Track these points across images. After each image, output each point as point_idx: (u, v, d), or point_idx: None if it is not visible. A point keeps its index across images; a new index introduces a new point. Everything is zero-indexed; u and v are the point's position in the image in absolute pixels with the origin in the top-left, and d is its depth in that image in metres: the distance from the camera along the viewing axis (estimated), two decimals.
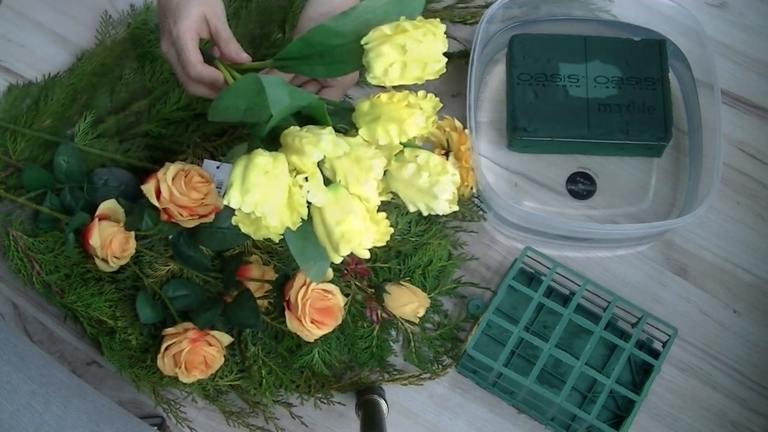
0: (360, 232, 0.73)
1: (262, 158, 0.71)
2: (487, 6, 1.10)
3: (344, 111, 0.80)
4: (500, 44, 1.11)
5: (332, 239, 0.73)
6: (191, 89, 0.88)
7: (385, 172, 0.76)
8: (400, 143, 0.76)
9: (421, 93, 0.77)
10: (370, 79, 0.77)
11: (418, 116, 0.74)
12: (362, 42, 0.76)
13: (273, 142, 0.77)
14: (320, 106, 0.76)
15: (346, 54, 0.80)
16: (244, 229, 0.75)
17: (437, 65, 0.76)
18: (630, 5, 1.10)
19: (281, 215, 0.72)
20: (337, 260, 0.74)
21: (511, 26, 1.12)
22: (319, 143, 0.70)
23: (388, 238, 0.76)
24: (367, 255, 0.74)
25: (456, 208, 0.76)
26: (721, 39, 1.14)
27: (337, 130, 0.77)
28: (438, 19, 0.76)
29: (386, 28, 0.75)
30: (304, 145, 0.71)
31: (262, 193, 0.70)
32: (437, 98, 0.77)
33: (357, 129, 0.77)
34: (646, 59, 1.07)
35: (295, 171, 0.73)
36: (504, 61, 1.11)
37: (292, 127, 0.75)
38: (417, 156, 0.76)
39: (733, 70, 1.13)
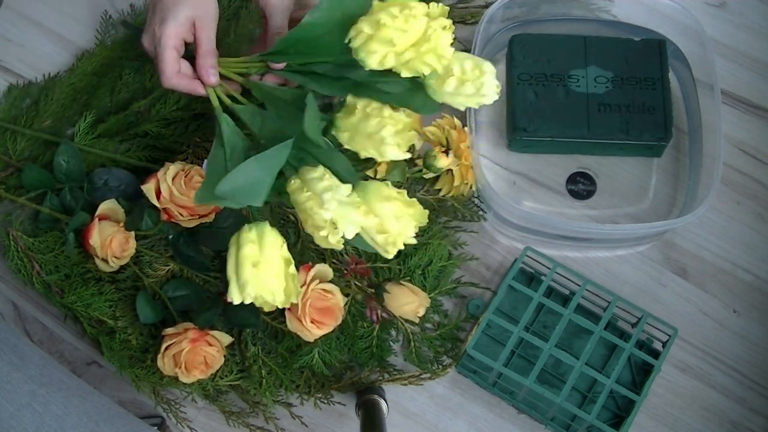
0: (401, 232, 0.75)
1: (249, 249, 0.74)
2: (487, 6, 1.10)
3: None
4: (500, 44, 1.11)
5: (381, 245, 0.75)
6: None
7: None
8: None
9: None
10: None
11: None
12: (345, 42, 0.75)
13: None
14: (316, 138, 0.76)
15: (330, 43, 0.79)
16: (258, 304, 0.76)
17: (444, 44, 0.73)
18: (630, 5, 1.10)
19: (285, 293, 0.75)
20: (391, 257, 0.77)
21: (511, 26, 1.11)
22: (324, 205, 0.71)
23: (426, 219, 0.77)
24: (414, 241, 0.77)
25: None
26: (721, 39, 1.14)
27: (332, 106, 0.79)
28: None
29: (365, 26, 0.73)
30: (313, 213, 0.72)
31: (258, 285, 0.73)
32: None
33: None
34: (646, 59, 1.06)
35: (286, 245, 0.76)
36: (504, 61, 1.11)
37: (292, 183, 0.75)
38: (454, 67, 0.75)
39: (733, 70, 1.13)
